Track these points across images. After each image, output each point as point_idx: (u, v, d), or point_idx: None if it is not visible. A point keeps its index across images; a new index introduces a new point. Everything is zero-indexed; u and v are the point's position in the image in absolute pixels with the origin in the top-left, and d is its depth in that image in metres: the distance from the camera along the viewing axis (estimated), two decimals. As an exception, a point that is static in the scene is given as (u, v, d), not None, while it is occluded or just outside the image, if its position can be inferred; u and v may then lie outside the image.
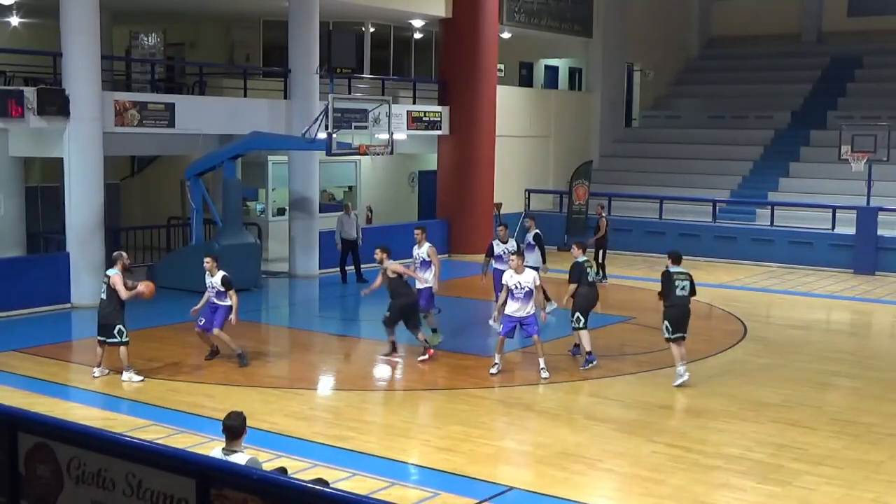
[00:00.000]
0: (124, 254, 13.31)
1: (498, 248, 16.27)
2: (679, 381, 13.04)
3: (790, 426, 11.44)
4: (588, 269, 14.13)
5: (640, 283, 21.76)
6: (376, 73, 25.23)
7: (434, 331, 15.15)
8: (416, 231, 15.41)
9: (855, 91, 31.07)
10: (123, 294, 12.85)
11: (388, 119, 19.49)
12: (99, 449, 6.23)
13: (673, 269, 13.36)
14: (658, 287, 13.66)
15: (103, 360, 13.24)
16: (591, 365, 13.83)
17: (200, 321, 13.77)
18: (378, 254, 14.14)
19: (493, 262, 16.34)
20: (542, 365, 13.39)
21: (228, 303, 13.56)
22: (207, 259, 13.72)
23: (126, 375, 13.00)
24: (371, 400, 12.74)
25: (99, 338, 13.12)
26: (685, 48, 35.94)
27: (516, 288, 13.31)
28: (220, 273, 13.57)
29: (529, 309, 13.35)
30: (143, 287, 13.12)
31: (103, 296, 13.04)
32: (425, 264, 15.07)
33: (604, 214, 22.24)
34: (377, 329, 15.39)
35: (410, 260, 15.37)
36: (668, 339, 13.20)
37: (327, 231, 21.91)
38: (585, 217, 25.88)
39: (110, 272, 13.03)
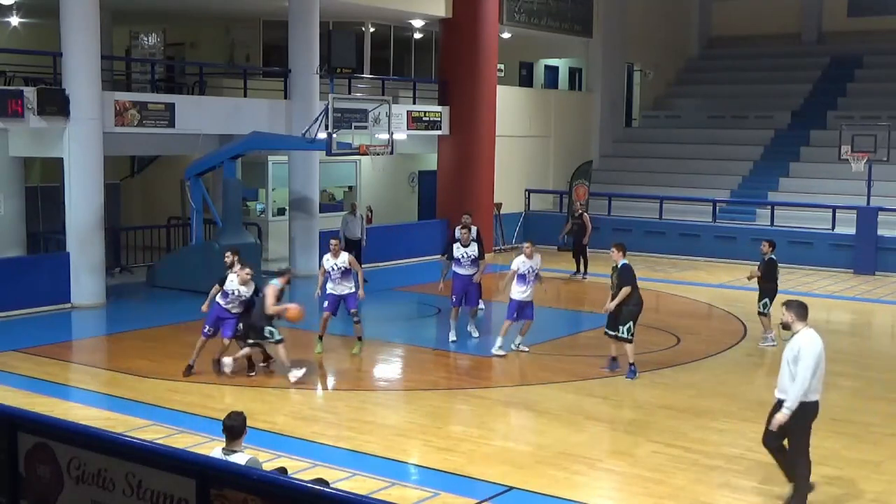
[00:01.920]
0: (292, 270, 13.32)
1: (458, 251, 15.56)
2: (770, 344, 15.29)
3: (790, 426, 11.43)
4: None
5: (640, 283, 21.70)
6: (376, 73, 25.23)
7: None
8: (333, 242, 14.80)
9: (855, 91, 31.07)
10: (270, 308, 12.95)
11: (388, 119, 19.47)
12: (99, 449, 6.23)
13: (773, 256, 15.36)
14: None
15: (227, 350, 13.29)
16: (636, 376, 13.46)
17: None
18: (229, 256, 13.72)
19: (452, 265, 15.67)
20: (519, 340, 14.72)
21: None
22: (249, 272, 13.38)
23: (292, 374, 12.99)
24: (371, 400, 12.74)
25: (249, 341, 13.22)
26: (685, 48, 35.94)
27: (529, 272, 14.29)
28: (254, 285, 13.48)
29: (532, 292, 14.40)
30: (293, 308, 13.15)
31: (249, 298, 13.23)
32: (347, 273, 14.50)
33: (584, 211, 22.43)
34: (378, 329, 15.41)
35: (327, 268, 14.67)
36: (762, 314, 15.39)
37: (327, 231, 21.90)
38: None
39: (273, 281, 13.18)
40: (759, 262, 15.75)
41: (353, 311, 14.54)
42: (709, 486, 9.59)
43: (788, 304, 9.07)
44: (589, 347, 15.54)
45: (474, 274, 15.50)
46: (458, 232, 17.41)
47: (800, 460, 8.96)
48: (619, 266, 13.59)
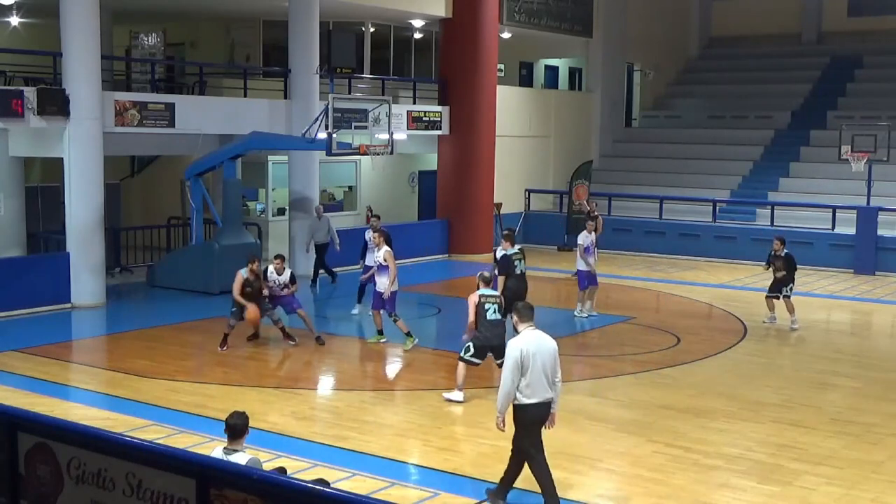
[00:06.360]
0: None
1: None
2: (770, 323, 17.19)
3: (790, 426, 11.44)
4: (517, 262, 14.82)
5: (640, 283, 21.77)
6: (376, 73, 25.22)
7: (408, 334, 14.83)
8: (374, 234, 15.07)
9: (855, 91, 31.08)
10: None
11: (388, 119, 19.46)
12: (99, 449, 6.23)
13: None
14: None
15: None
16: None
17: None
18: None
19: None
20: (590, 306, 17.20)
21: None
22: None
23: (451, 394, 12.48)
24: (371, 400, 12.73)
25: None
26: (685, 48, 35.95)
27: (592, 245, 17.38)
28: None
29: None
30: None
31: (497, 315, 12.08)
32: (382, 269, 14.61)
33: (598, 214, 22.27)
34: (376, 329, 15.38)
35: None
36: (786, 297, 16.94)
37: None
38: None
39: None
40: (769, 259, 17.18)
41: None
42: (709, 486, 9.59)
43: (514, 307, 9.02)
44: (590, 347, 15.55)
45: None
46: (367, 235, 16.82)
47: (532, 466, 8.67)
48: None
